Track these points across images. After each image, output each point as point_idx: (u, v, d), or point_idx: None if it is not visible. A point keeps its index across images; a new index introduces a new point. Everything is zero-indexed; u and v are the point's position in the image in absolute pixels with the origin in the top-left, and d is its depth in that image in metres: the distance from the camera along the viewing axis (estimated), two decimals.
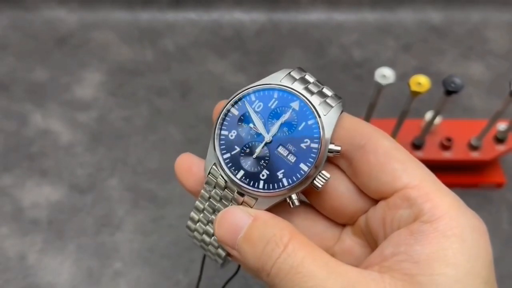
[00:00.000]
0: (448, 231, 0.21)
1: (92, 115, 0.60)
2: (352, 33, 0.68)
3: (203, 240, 0.29)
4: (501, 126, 0.52)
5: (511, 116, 0.50)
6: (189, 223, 0.29)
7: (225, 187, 0.26)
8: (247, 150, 0.25)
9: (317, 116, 0.25)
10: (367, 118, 0.50)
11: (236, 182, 0.25)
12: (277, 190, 0.25)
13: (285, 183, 0.25)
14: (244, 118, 0.26)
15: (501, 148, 0.53)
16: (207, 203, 0.27)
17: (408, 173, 0.23)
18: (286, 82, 0.26)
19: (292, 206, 0.25)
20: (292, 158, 0.25)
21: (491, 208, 0.54)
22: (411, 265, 0.20)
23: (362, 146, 0.24)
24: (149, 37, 0.67)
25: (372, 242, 0.26)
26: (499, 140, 0.52)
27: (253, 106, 0.26)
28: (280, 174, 0.25)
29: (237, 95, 0.26)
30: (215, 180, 0.26)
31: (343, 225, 0.28)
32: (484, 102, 0.62)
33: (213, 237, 0.28)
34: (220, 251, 0.28)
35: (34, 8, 0.69)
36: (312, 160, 0.25)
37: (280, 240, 0.22)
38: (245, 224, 0.23)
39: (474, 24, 0.69)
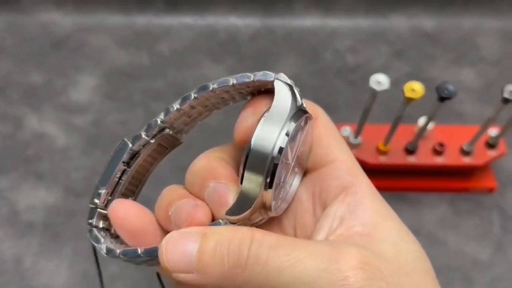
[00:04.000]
0: (374, 195, 0.24)
1: (88, 118, 0.60)
2: (346, 39, 0.69)
3: None
4: (493, 131, 0.53)
5: (502, 122, 0.51)
6: None
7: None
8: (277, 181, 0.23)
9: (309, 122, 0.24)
10: (362, 123, 0.50)
11: (274, 214, 0.24)
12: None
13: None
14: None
15: (492, 153, 0.53)
16: None
17: (340, 149, 0.25)
18: (299, 101, 0.23)
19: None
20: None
21: (483, 212, 0.55)
22: (362, 227, 0.23)
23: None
24: (145, 41, 0.68)
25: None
26: (491, 145, 0.53)
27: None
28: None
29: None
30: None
31: None
32: (475, 108, 0.63)
33: None
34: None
35: (30, 12, 0.69)
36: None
37: (244, 234, 0.21)
38: (196, 242, 0.21)
39: (466, 31, 0.70)
